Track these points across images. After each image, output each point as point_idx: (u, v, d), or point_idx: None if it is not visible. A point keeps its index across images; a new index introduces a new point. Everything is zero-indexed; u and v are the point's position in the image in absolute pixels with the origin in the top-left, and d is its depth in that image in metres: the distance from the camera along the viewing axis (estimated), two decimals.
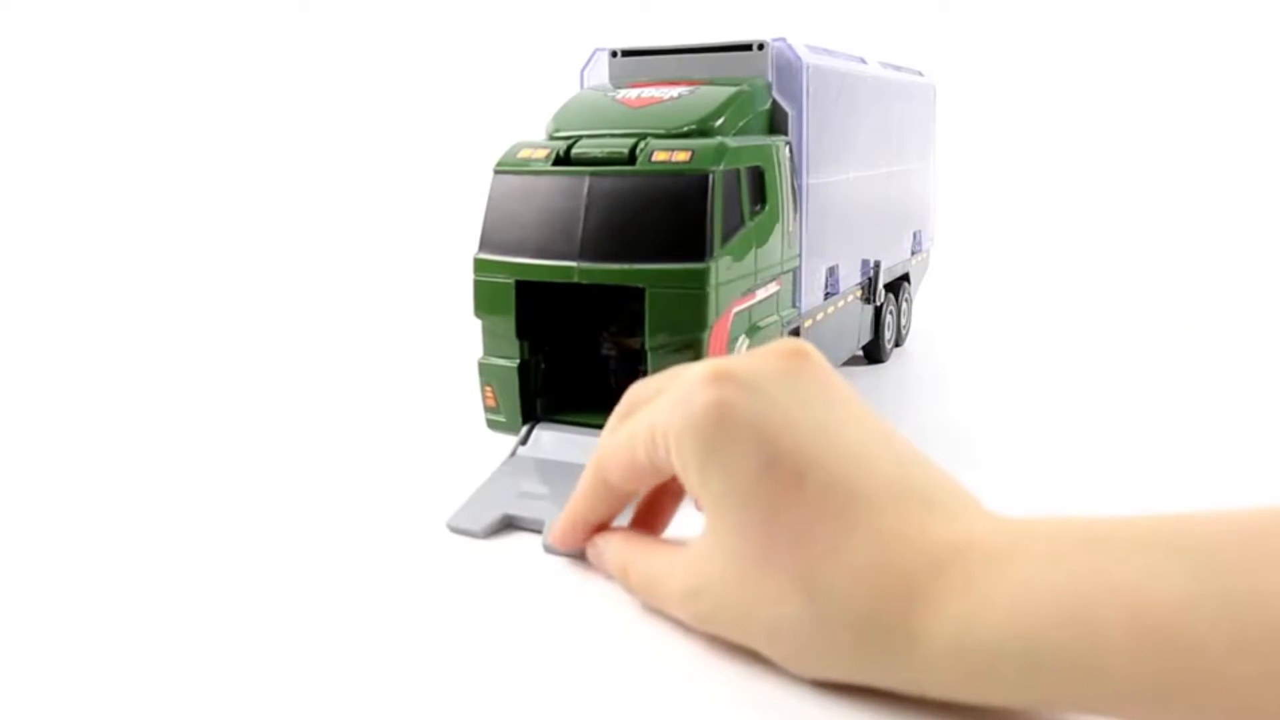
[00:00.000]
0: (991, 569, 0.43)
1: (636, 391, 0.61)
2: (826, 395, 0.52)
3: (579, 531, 0.64)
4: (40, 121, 2.24)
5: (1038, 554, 0.42)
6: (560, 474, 0.77)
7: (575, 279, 0.76)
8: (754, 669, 0.53)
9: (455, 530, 0.72)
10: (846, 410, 0.52)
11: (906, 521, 0.46)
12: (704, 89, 0.84)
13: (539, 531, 0.70)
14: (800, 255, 0.89)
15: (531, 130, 0.87)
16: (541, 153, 0.80)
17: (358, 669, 0.54)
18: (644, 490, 0.63)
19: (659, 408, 0.55)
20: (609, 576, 0.63)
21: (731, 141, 0.78)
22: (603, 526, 0.64)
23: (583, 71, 0.96)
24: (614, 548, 0.61)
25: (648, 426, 0.55)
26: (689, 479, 0.52)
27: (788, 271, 0.87)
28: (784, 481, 0.48)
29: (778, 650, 0.50)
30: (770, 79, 0.87)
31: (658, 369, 0.76)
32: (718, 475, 0.50)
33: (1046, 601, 0.40)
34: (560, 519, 0.65)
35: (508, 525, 0.72)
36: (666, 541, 0.60)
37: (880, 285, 1.10)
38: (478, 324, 0.82)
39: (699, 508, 0.53)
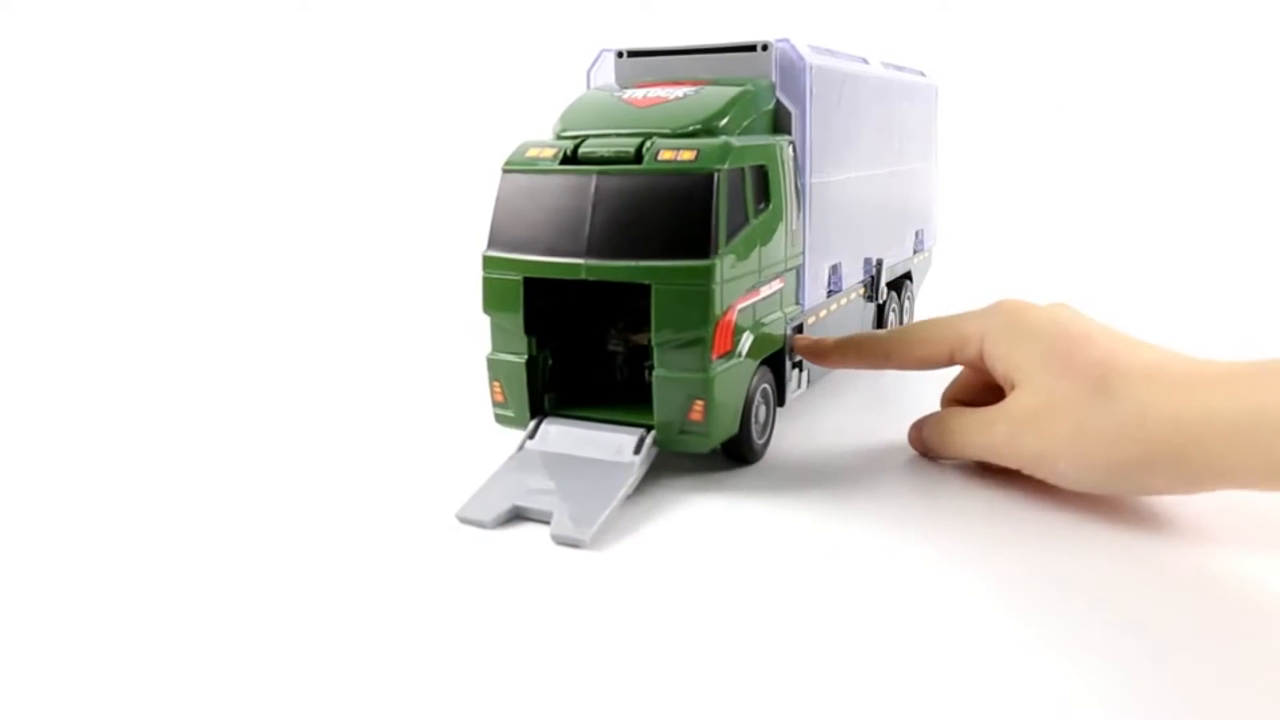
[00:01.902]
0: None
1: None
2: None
3: (824, 350, 0.90)
4: (40, 121, 2.25)
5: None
6: (567, 467, 0.78)
7: (583, 276, 0.77)
8: (756, 660, 0.54)
9: (465, 521, 0.73)
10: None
11: (1157, 354, 0.70)
12: (709, 89, 0.85)
13: (547, 522, 0.71)
14: (803, 253, 0.90)
15: (539, 130, 0.88)
16: (549, 152, 0.81)
17: (368, 657, 0.56)
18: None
19: (965, 321, 0.81)
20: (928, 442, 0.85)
21: (736, 141, 0.79)
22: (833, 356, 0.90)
23: (589, 72, 0.97)
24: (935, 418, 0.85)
25: (955, 333, 0.81)
26: (1002, 360, 0.76)
27: (791, 269, 0.88)
28: (1075, 334, 0.73)
29: (1077, 444, 0.69)
30: (774, 79, 0.88)
31: (664, 365, 0.77)
32: (1027, 344, 0.74)
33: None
34: (822, 339, 0.91)
35: (516, 516, 0.74)
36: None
37: (882, 283, 1.11)
38: (486, 320, 0.84)
39: (1010, 386, 0.76)
